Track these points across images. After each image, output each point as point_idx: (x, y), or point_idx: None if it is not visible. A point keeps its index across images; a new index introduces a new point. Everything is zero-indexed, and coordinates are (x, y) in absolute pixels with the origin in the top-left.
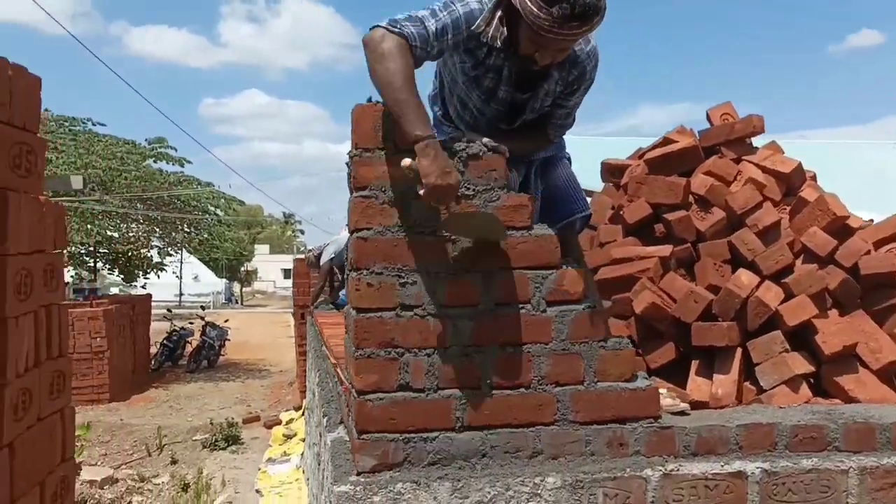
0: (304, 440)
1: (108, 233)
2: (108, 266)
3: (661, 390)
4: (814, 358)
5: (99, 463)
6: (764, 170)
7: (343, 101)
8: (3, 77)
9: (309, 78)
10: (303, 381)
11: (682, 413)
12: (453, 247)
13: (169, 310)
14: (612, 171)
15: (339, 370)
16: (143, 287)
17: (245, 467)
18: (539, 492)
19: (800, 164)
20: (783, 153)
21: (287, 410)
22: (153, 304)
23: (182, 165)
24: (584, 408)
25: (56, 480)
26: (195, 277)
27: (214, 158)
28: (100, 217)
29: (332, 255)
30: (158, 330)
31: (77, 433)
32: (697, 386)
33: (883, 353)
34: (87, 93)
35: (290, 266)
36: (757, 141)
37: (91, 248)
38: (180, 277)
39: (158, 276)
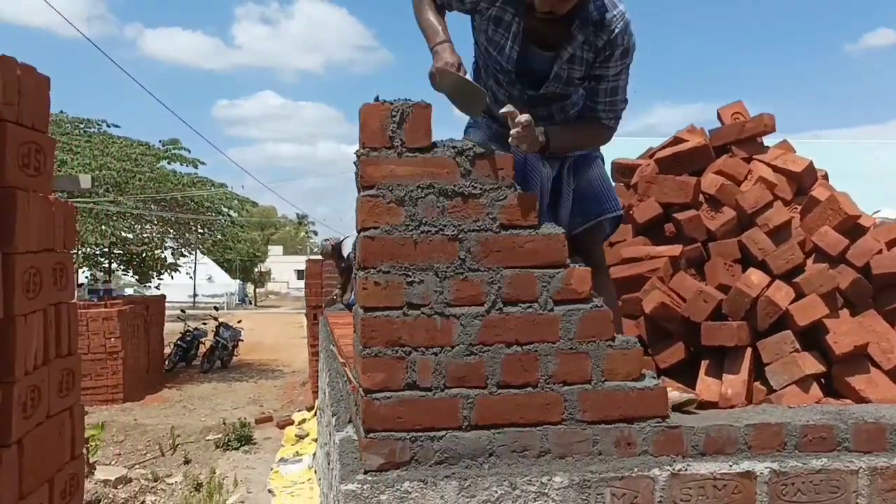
0: (316, 440)
1: (123, 234)
2: (122, 267)
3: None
4: (824, 358)
5: (113, 462)
6: (775, 169)
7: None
8: (12, 77)
9: (323, 79)
10: (315, 382)
11: (690, 402)
12: (460, 245)
13: (183, 310)
14: (622, 171)
15: (347, 369)
16: (157, 288)
17: (257, 467)
18: (546, 491)
19: (811, 163)
20: (795, 152)
21: (299, 411)
22: (167, 304)
23: (196, 167)
24: (592, 407)
25: (65, 478)
26: (209, 278)
27: (228, 160)
28: (114, 218)
29: (352, 250)
30: (172, 330)
31: (91, 433)
32: (707, 386)
33: (894, 353)
34: (102, 95)
35: (303, 267)
36: (769, 140)
37: (106, 249)
38: (194, 278)
39: (172, 277)
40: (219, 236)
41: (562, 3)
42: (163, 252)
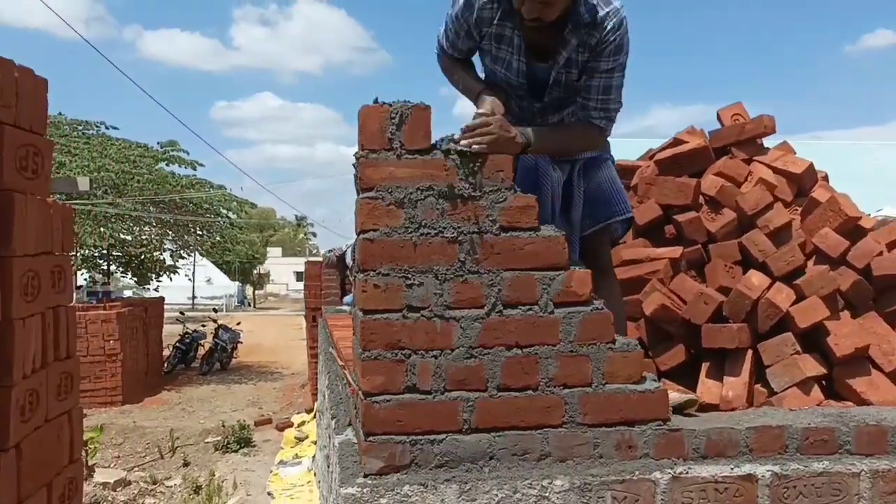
0: (315, 443)
1: (121, 236)
2: (121, 269)
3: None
4: (825, 360)
5: (112, 465)
6: (775, 170)
7: (356, 103)
8: (10, 79)
9: (321, 81)
10: (314, 384)
11: (691, 403)
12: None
13: (182, 312)
14: (622, 173)
15: (346, 372)
16: (156, 290)
17: (257, 470)
18: (547, 494)
19: (811, 165)
20: (795, 153)
21: (299, 413)
22: (166, 306)
23: (194, 168)
24: (593, 410)
25: (63, 482)
26: (208, 280)
27: (227, 161)
28: (113, 220)
29: (352, 254)
30: (171, 333)
31: (90, 436)
32: (708, 388)
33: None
34: (101, 96)
35: (302, 269)
36: (769, 142)
37: (104, 251)
38: (193, 280)
39: (171, 279)
40: (217, 238)
41: (548, 8)
42: (161, 254)
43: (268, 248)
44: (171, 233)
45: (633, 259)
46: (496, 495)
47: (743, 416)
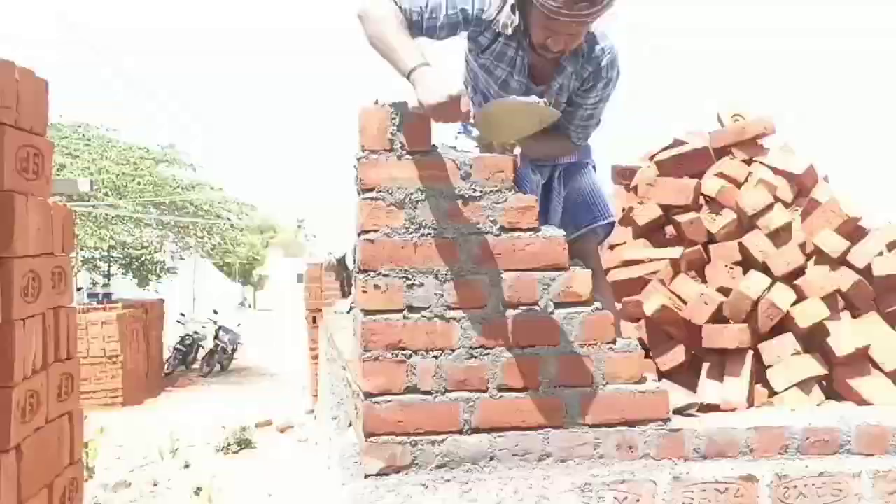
0: (316, 444)
1: (122, 237)
2: (121, 270)
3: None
4: (826, 360)
5: (112, 467)
6: (775, 171)
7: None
8: (10, 80)
9: None
10: (315, 385)
11: (690, 409)
12: (461, 248)
13: (182, 314)
14: (622, 174)
15: (347, 373)
16: (157, 291)
17: (257, 471)
18: (547, 495)
19: (812, 165)
20: (795, 154)
21: (299, 414)
22: (166, 308)
23: (195, 170)
24: (593, 410)
25: (64, 483)
26: None
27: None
28: (113, 222)
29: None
30: (171, 334)
31: (91, 437)
32: (708, 389)
33: None
34: (101, 98)
35: (302, 270)
36: (769, 142)
37: (105, 253)
38: (193, 282)
39: (171, 281)
40: (218, 240)
41: (574, 41)
42: (162, 255)
43: (268, 250)
44: (171, 234)
45: (633, 260)
46: (497, 496)
47: (744, 417)
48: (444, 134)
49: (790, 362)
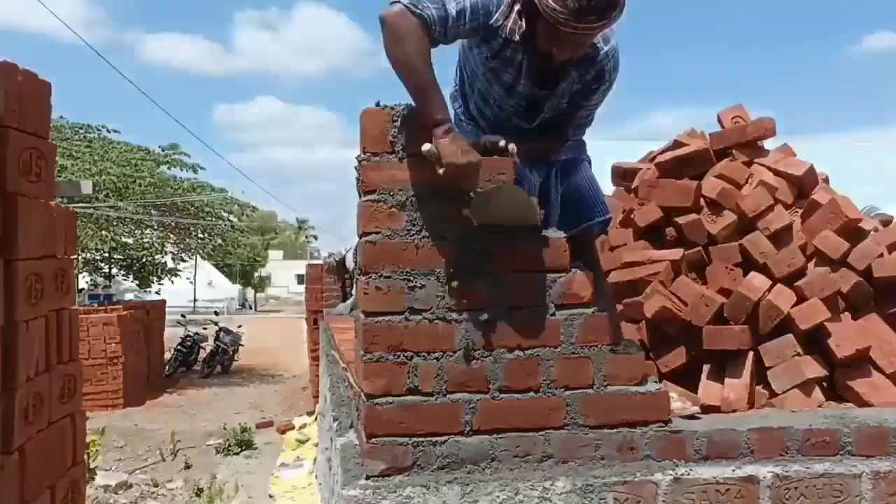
0: (317, 445)
1: (123, 239)
2: (122, 272)
3: (671, 394)
4: (827, 362)
5: (113, 468)
6: (776, 172)
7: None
8: (13, 83)
9: (323, 84)
10: (316, 387)
11: (693, 416)
12: (464, 250)
13: (183, 315)
14: (623, 175)
15: (348, 374)
16: (158, 293)
17: (258, 472)
18: (548, 496)
19: (812, 167)
20: (795, 156)
21: (300, 415)
22: (167, 309)
23: (196, 172)
24: (594, 412)
25: (66, 485)
26: (209, 283)
27: (228, 165)
28: (114, 223)
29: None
30: (173, 336)
31: (92, 438)
32: (709, 390)
33: None
34: (102, 100)
35: (303, 272)
36: (770, 144)
37: (106, 254)
38: (194, 283)
39: (172, 282)
40: (219, 241)
41: (579, 50)
42: (163, 257)
43: (269, 251)
44: (172, 236)
45: (633, 261)
46: (498, 497)
47: (744, 418)
48: None
49: (791, 364)
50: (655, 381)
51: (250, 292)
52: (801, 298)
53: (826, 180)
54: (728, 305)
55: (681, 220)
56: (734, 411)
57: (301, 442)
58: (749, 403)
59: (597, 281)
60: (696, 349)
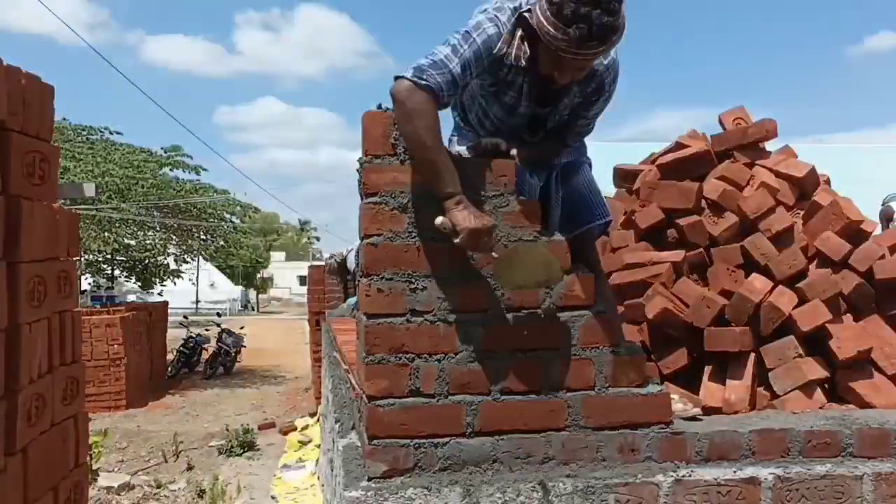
0: (319, 446)
1: (125, 240)
2: (125, 273)
3: (672, 396)
4: (828, 363)
5: (116, 469)
6: (777, 174)
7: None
8: (17, 86)
9: (325, 85)
10: (318, 388)
11: (694, 418)
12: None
13: (185, 317)
14: (624, 177)
15: (350, 376)
16: (160, 294)
17: (260, 473)
18: (550, 497)
19: (813, 168)
20: (797, 157)
21: (302, 417)
22: (170, 311)
23: (198, 173)
24: (596, 413)
25: (69, 486)
26: (211, 285)
27: (230, 166)
28: (117, 225)
29: (356, 258)
30: (175, 337)
31: (95, 440)
32: (710, 391)
33: None
34: (104, 102)
35: (305, 273)
36: (771, 145)
37: (108, 256)
38: (196, 284)
39: (175, 284)
40: (221, 242)
41: (581, 73)
42: (165, 258)
43: (271, 253)
44: (174, 237)
45: (635, 263)
46: (499, 498)
47: (745, 420)
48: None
49: (792, 365)
50: (657, 383)
51: (252, 294)
52: (803, 300)
53: (827, 182)
54: (729, 307)
55: (682, 221)
56: (735, 413)
57: (303, 443)
58: (750, 405)
59: (598, 283)
60: (697, 350)
